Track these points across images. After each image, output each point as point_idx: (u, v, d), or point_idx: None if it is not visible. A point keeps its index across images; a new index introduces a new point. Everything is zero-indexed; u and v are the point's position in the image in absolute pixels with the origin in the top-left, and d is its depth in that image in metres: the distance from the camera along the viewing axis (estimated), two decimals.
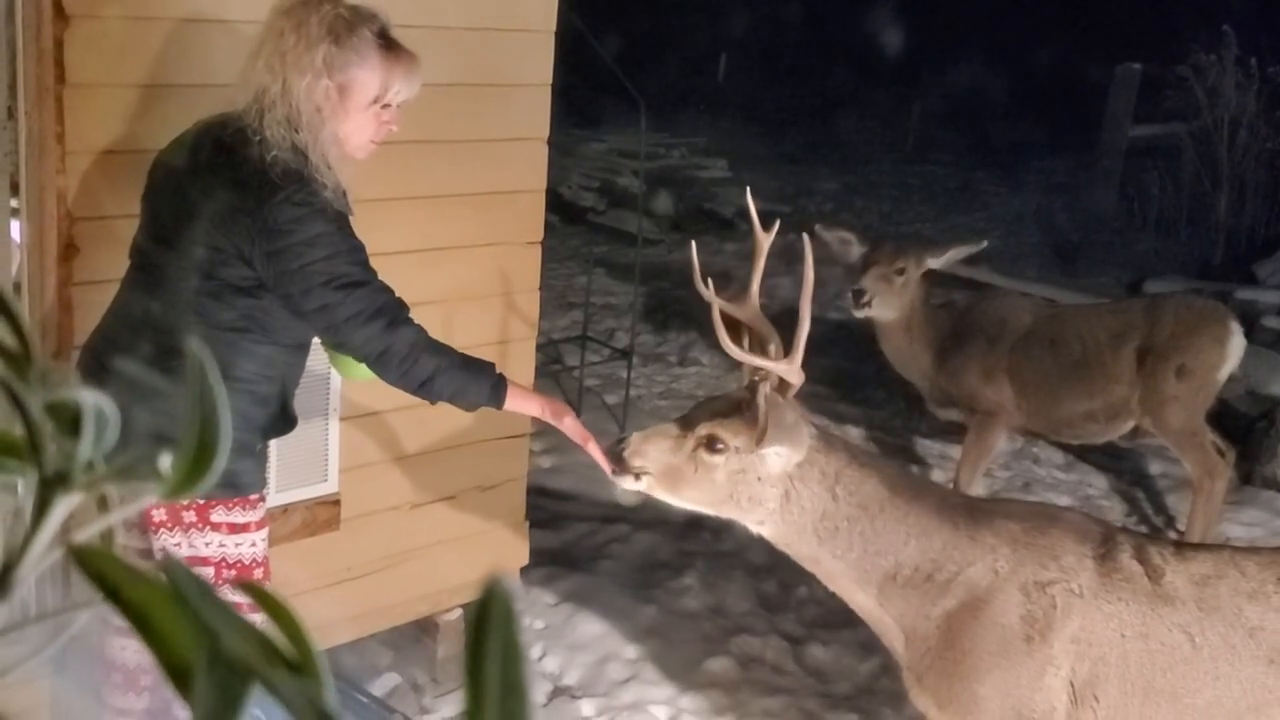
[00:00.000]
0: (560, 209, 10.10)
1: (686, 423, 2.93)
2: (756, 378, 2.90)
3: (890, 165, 14.46)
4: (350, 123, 2.72)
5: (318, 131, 2.66)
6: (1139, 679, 2.81)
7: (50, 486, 0.45)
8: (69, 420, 0.45)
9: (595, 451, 2.99)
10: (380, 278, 2.76)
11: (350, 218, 2.77)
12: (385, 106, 2.76)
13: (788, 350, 2.92)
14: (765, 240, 3.10)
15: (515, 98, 3.91)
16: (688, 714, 4.19)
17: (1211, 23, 9.92)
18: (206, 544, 2.77)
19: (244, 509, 2.82)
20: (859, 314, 5.38)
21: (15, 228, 3.19)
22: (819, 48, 17.28)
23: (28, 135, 3.06)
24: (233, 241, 2.64)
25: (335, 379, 3.60)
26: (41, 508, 0.45)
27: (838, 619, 4.80)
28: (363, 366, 3.02)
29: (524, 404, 3.00)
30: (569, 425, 3.01)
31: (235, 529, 2.81)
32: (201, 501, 2.77)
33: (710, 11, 17.48)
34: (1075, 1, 16.24)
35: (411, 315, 2.80)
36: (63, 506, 0.45)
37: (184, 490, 0.46)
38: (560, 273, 8.88)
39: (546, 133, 4.01)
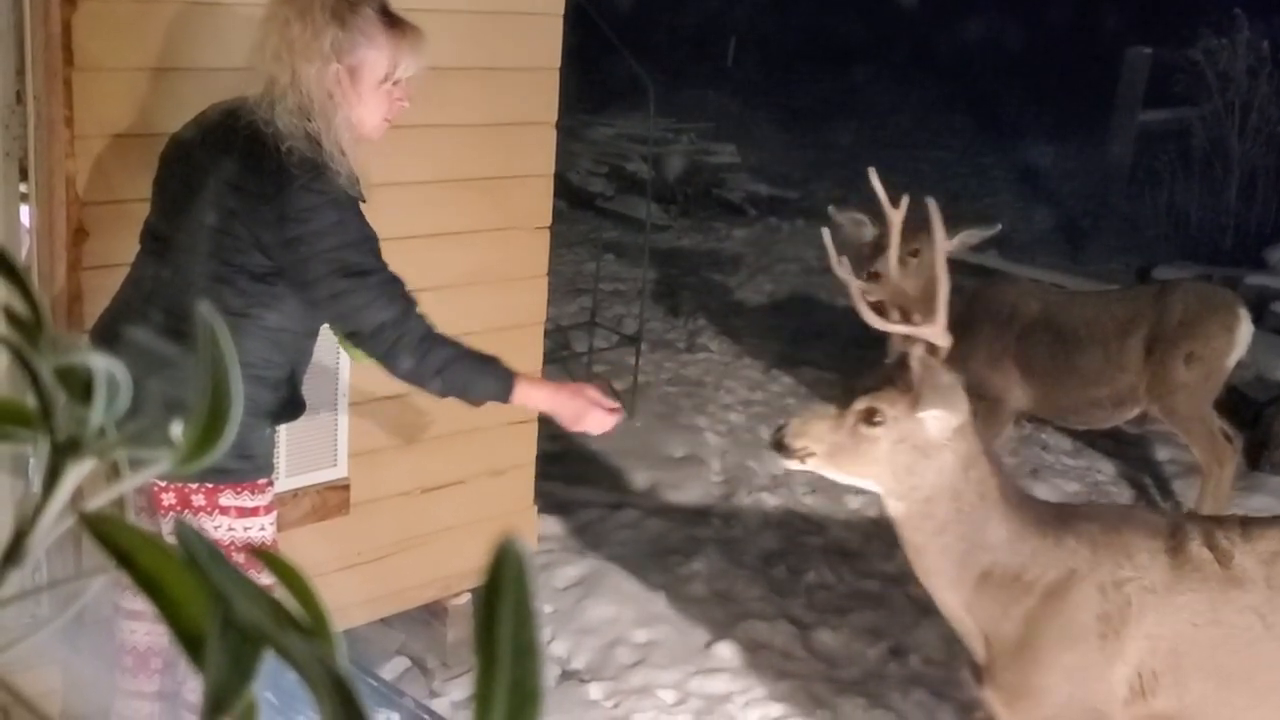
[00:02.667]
0: (568, 194, 10.09)
1: (840, 400, 3.01)
2: (904, 348, 2.95)
3: (900, 150, 14.42)
4: (363, 104, 2.72)
5: (330, 118, 2.65)
6: (1213, 665, 2.90)
7: (62, 453, 0.45)
8: (80, 387, 0.45)
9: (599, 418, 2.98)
10: (390, 268, 2.76)
11: (363, 204, 2.76)
12: (396, 84, 2.75)
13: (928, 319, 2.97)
14: (897, 216, 3.21)
15: (523, 82, 3.90)
16: (696, 698, 4.19)
17: (1222, 5, 9.86)
18: (215, 527, 2.77)
19: (253, 493, 2.82)
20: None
21: (25, 212, 3.19)
22: (829, 32, 17.22)
23: (36, 119, 3.06)
24: (250, 229, 2.64)
25: (344, 365, 3.60)
26: (53, 475, 0.45)
27: (847, 604, 4.80)
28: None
29: (534, 398, 2.99)
30: (590, 422, 2.97)
31: (244, 513, 2.81)
32: (210, 485, 2.77)
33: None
34: None
35: (419, 308, 2.79)
36: (74, 473, 0.45)
37: (196, 458, 0.46)
38: (568, 258, 8.88)
39: (555, 117, 4.01)
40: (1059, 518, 3.07)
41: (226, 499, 2.79)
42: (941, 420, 2.88)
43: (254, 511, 2.82)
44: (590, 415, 2.95)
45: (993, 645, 3.04)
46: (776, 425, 3.09)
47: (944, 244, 3.00)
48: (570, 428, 2.99)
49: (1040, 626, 2.95)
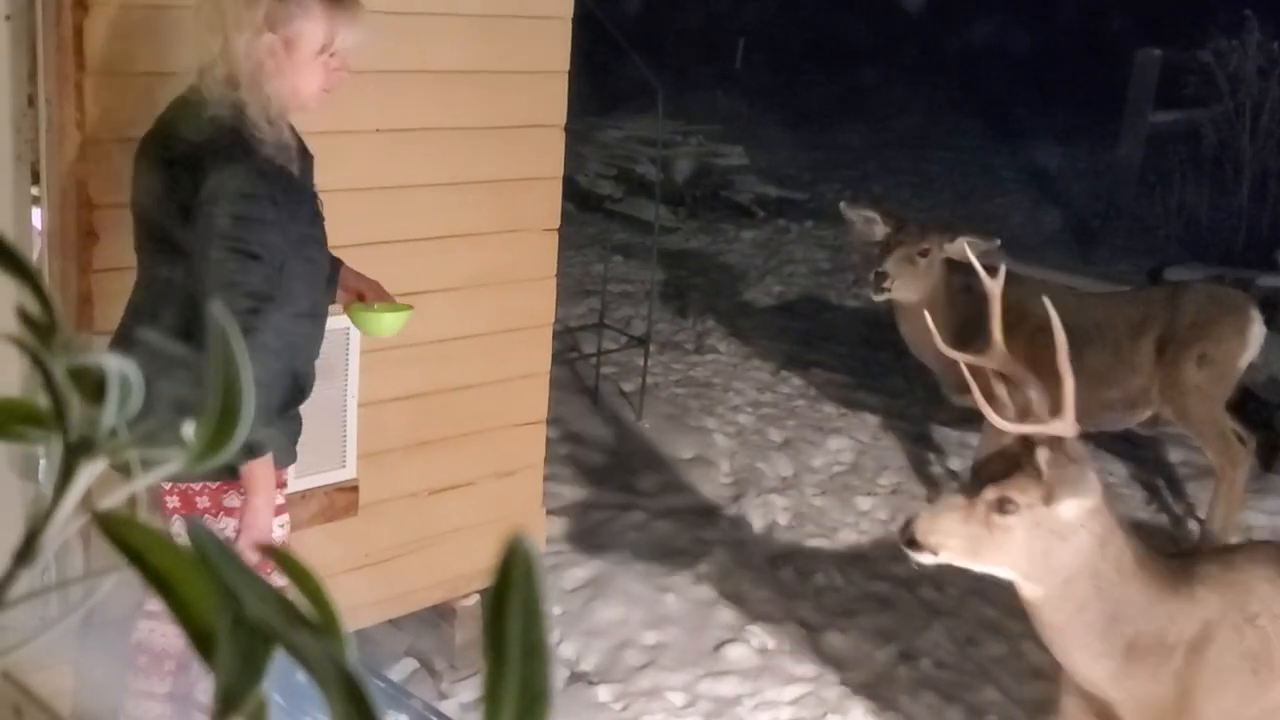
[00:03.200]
0: (577, 197, 10.09)
1: (968, 490, 2.96)
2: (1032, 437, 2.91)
3: (910, 152, 14.41)
4: (299, 75, 2.73)
5: (259, 88, 2.66)
6: None
7: (74, 453, 0.45)
8: (93, 387, 0.45)
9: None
10: (269, 271, 2.68)
11: (294, 172, 2.73)
12: (333, 55, 2.76)
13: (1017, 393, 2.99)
14: (995, 288, 3.19)
15: (532, 85, 3.91)
16: (705, 700, 4.19)
17: (1233, 7, 9.84)
18: (222, 529, 2.76)
19: None
20: (878, 298, 5.33)
21: (36, 215, 3.20)
22: (837, 34, 17.21)
23: (48, 123, 3.08)
24: (183, 203, 2.66)
25: (353, 366, 3.61)
26: (65, 475, 0.45)
27: (856, 606, 4.80)
28: (383, 322, 3.02)
29: (259, 482, 2.75)
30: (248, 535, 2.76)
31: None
32: (213, 486, 2.77)
33: (728, 1, 17.43)
34: None
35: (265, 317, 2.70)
36: (87, 473, 0.45)
37: (208, 458, 0.47)
38: (577, 260, 8.89)
39: (563, 120, 4.01)
40: (1185, 570, 3.07)
41: (231, 500, 2.79)
42: (1076, 506, 2.86)
43: None
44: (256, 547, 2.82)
45: (1148, 710, 3.03)
46: (905, 520, 3.05)
47: (1063, 340, 2.95)
48: (243, 532, 2.75)
49: (1193, 683, 2.97)
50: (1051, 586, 2.93)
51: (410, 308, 3.08)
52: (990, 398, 2.96)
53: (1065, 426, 2.86)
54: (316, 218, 2.89)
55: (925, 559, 2.99)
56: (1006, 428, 2.92)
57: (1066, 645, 3.02)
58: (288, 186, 2.71)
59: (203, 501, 2.78)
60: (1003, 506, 2.87)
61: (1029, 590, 2.97)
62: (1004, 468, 2.92)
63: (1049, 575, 2.91)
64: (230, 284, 2.62)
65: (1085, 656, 3.02)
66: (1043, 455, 2.83)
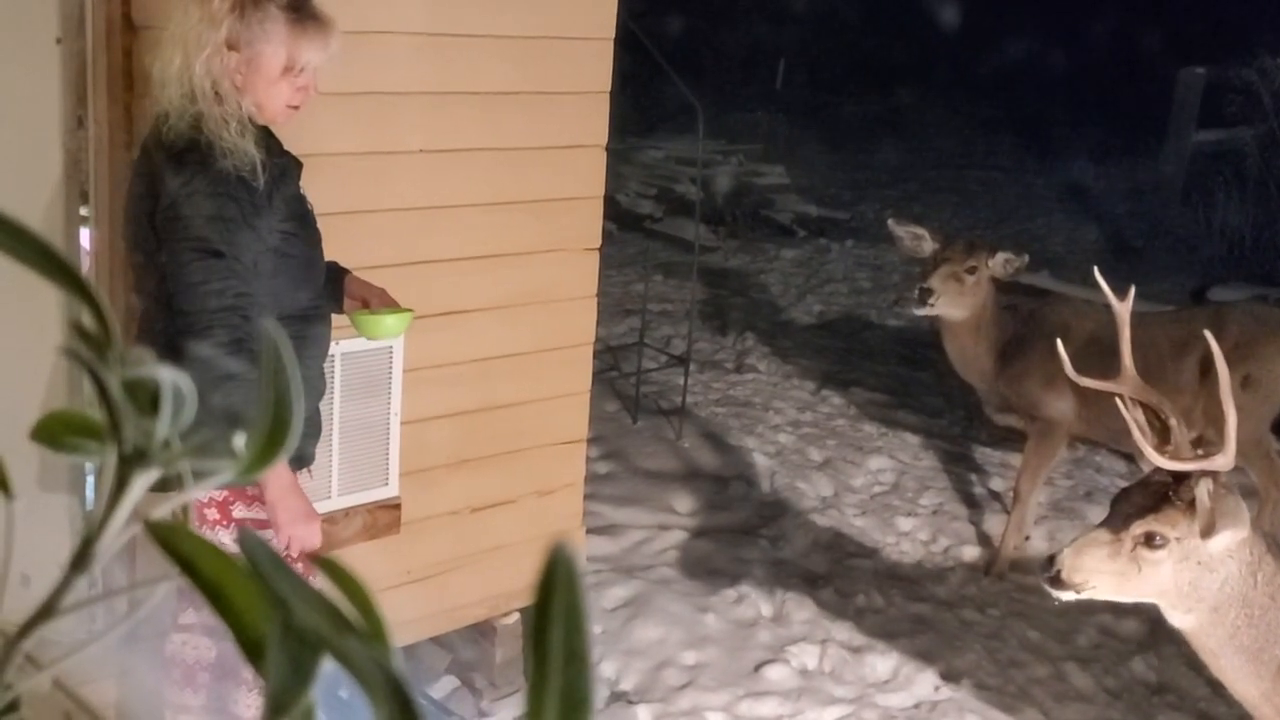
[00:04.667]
0: (618, 216, 10.12)
1: (1113, 524, 2.94)
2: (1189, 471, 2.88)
3: (950, 171, 14.37)
4: (262, 93, 2.76)
5: (216, 104, 2.69)
6: None
7: (129, 464, 0.46)
8: (147, 399, 0.46)
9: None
10: (245, 265, 2.70)
11: (257, 182, 2.72)
12: (300, 73, 2.79)
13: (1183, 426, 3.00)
14: (1124, 310, 3.19)
15: (574, 105, 3.93)
16: None
17: (1277, 25, 9.76)
18: (234, 541, 2.77)
19: (264, 505, 2.80)
20: (920, 311, 5.30)
21: (85, 235, 3.25)
22: (878, 54, 17.20)
23: (97, 144, 3.13)
24: (151, 213, 2.71)
25: (397, 384, 3.63)
26: (120, 484, 0.46)
27: (897, 628, 4.77)
28: (384, 324, 3.03)
29: (278, 479, 2.75)
30: (297, 537, 2.78)
31: (261, 525, 2.80)
32: (220, 499, 2.80)
33: (769, 18, 17.46)
34: (1138, 5, 16.05)
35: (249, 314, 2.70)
36: (140, 483, 0.47)
37: (258, 468, 0.48)
38: (617, 280, 8.91)
39: (605, 140, 4.03)
40: None
41: (240, 511, 2.81)
42: (1230, 537, 2.84)
43: (269, 524, 2.82)
44: (302, 530, 2.78)
45: None
46: (1047, 557, 3.03)
47: (1226, 374, 2.93)
48: (278, 528, 2.78)
49: None
50: (1201, 615, 2.91)
51: (411, 311, 3.08)
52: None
53: (1226, 460, 2.84)
54: (306, 220, 2.91)
55: (1068, 596, 2.98)
56: (1172, 465, 2.88)
57: (1222, 667, 3.01)
58: (251, 187, 2.71)
59: (211, 514, 2.81)
60: (1150, 541, 2.85)
61: (1179, 619, 2.96)
62: (1145, 499, 2.91)
63: (1198, 604, 2.90)
64: (199, 284, 2.64)
65: (1238, 676, 3.00)
66: (1204, 489, 2.80)
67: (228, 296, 2.65)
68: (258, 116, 2.78)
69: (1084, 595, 2.98)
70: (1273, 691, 2.98)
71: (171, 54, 2.70)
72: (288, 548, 2.78)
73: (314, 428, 3.02)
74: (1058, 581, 2.95)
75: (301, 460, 2.94)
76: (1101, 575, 2.92)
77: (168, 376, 0.46)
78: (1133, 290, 3.22)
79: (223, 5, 2.69)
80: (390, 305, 3.09)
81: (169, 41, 2.72)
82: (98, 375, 0.45)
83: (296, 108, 2.85)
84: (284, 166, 2.84)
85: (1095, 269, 3.27)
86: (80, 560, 0.47)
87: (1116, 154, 13.67)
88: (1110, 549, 2.90)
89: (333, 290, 3.05)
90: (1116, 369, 3.15)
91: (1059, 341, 3.33)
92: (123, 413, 0.45)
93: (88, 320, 0.47)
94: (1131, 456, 6.24)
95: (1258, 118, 9.91)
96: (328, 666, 0.42)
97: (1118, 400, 3.05)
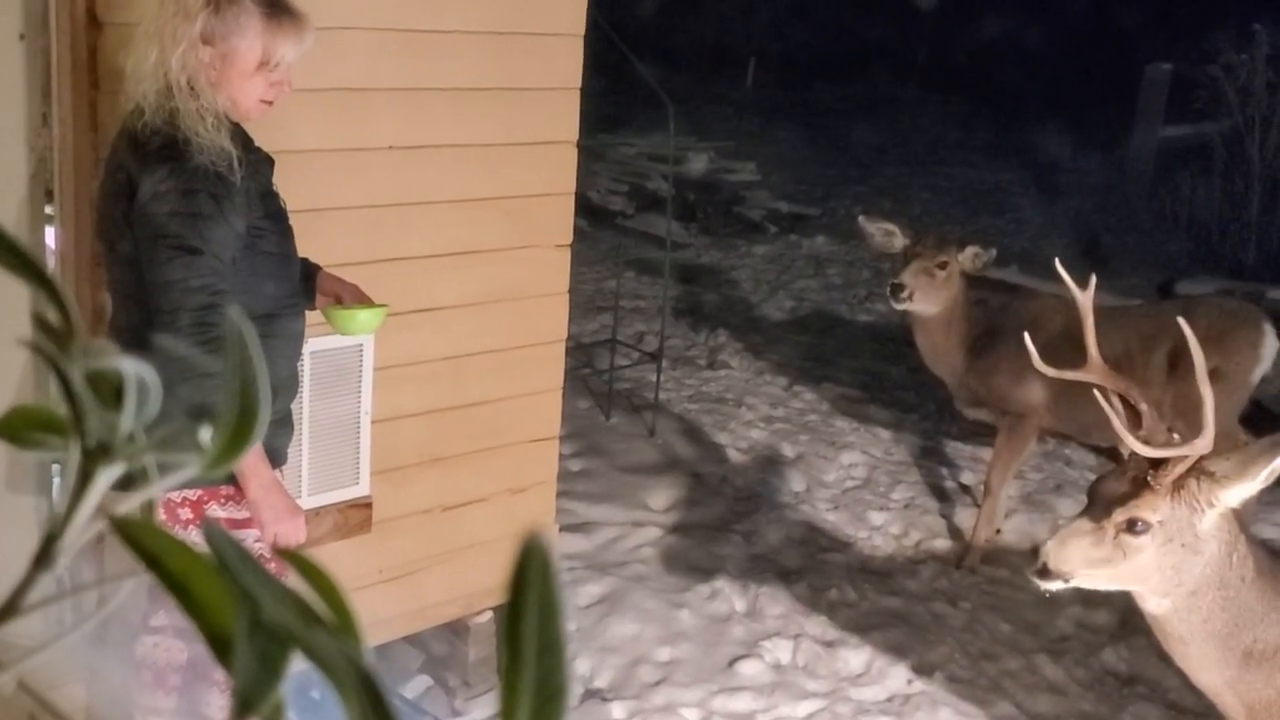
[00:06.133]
0: (589, 213, 10.12)
1: (1094, 513, 2.95)
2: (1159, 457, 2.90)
3: (919, 167, 14.42)
4: (236, 88, 2.75)
5: (195, 98, 2.67)
6: None
7: (92, 458, 0.45)
8: (110, 392, 0.45)
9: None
10: (224, 266, 2.68)
11: (233, 177, 2.69)
12: (275, 69, 2.78)
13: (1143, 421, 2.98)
14: (1087, 299, 3.18)
15: (544, 102, 3.92)
16: (719, 717, 4.18)
17: (1241, 21, 9.85)
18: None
19: (239, 504, 2.79)
20: (899, 307, 5.33)
21: (50, 233, 3.22)
22: (847, 51, 17.25)
23: (62, 142, 3.10)
24: (126, 211, 2.69)
25: (368, 382, 3.62)
26: (83, 480, 0.45)
27: (870, 623, 4.79)
28: (360, 320, 3.01)
29: (257, 475, 2.73)
30: (282, 533, 2.77)
31: (236, 524, 2.79)
32: (194, 497, 2.78)
33: (738, 15, 17.48)
34: (1105, 2, 16.16)
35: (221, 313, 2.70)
36: (105, 478, 0.46)
37: (224, 462, 0.47)
38: (589, 276, 8.90)
39: (575, 136, 4.02)
40: None
41: (215, 510, 2.79)
42: (1216, 515, 2.86)
43: (246, 523, 2.80)
44: (287, 526, 2.77)
45: (1259, 716, 3.03)
46: (1032, 549, 3.04)
47: (1201, 358, 2.94)
48: (262, 526, 2.77)
49: None
50: (1178, 599, 2.93)
51: (385, 306, 3.06)
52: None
53: (1206, 443, 2.86)
54: (279, 217, 2.90)
55: (1056, 586, 2.99)
56: (1151, 451, 2.89)
57: (1189, 654, 3.02)
58: (227, 183, 2.69)
59: (185, 513, 2.78)
60: (1133, 527, 2.87)
61: (1155, 605, 2.97)
62: (1124, 486, 2.92)
63: (1177, 589, 2.91)
64: (179, 280, 2.62)
65: (1204, 663, 3.01)
66: (1196, 475, 2.84)
67: (207, 294, 2.63)
68: (232, 112, 2.76)
69: (1071, 584, 2.99)
70: (1236, 679, 2.99)
71: (146, 49, 2.68)
72: (274, 545, 2.76)
73: (287, 426, 3.00)
74: (1045, 573, 2.97)
75: (274, 459, 2.92)
76: (1087, 564, 2.93)
77: (131, 369, 0.45)
78: (1094, 280, 3.22)
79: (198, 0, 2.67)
80: (363, 301, 3.07)
81: (143, 36, 2.70)
82: (60, 369, 0.44)
83: (270, 103, 2.83)
84: (257, 163, 2.82)
85: (1056, 260, 3.28)
86: (43, 557, 0.46)
87: (1085, 149, 13.75)
88: (1093, 537, 2.92)
89: (305, 287, 3.03)
90: (1083, 359, 3.16)
91: (1026, 334, 3.34)
92: (86, 406, 0.45)
93: (52, 315, 0.46)
94: (1101, 449, 6.28)
95: (1223, 113, 10.00)
96: (299, 666, 0.42)
97: (1096, 391, 3.06)
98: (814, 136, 15.09)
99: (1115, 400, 3.02)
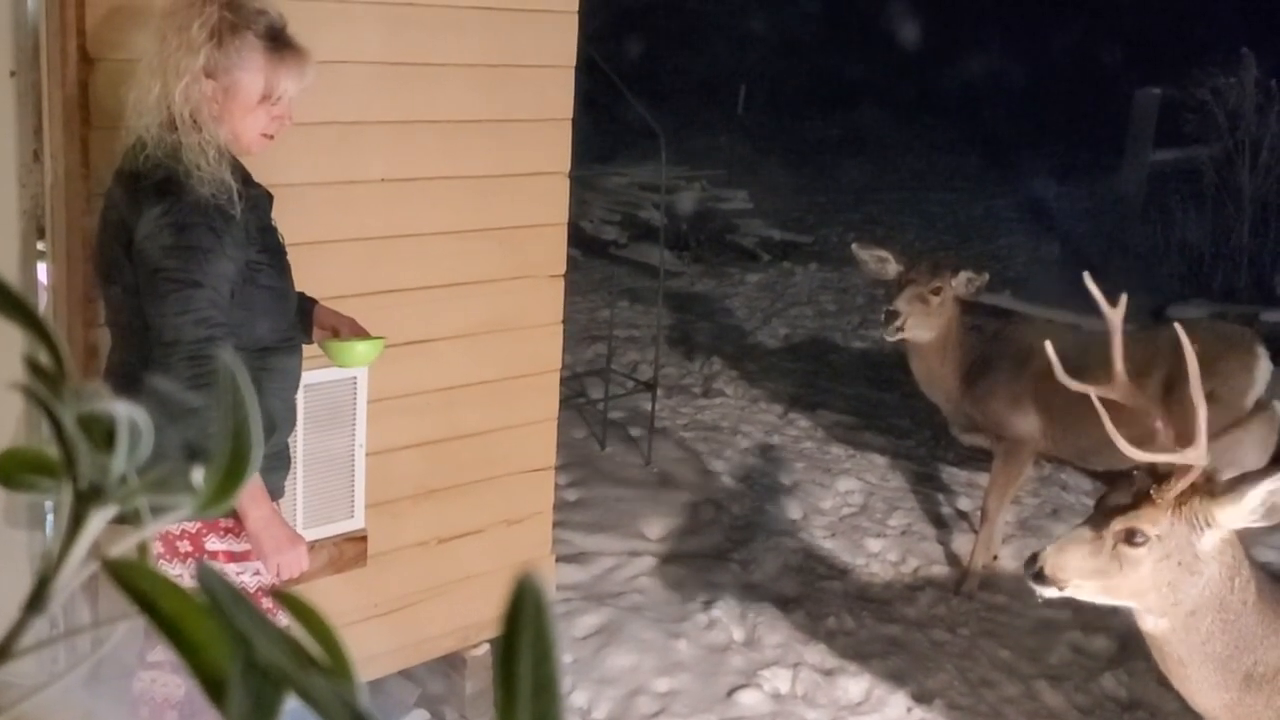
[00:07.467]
0: (582, 242, 10.14)
1: (1095, 522, 2.94)
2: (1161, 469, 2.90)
3: (910, 195, 14.47)
4: (238, 122, 2.76)
5: (194, 133, 2.68)
6: None
7: (85, 500, 0.45)
8: (102, 434, 0.45)
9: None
10: (221, 303, 2.67)
11: (233, 211, 2.69)
12: (276, 103, 2.79)
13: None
14: (1116, 316, 3.18)
15: (536, 133, 3.93)
16: None
17: (1231, 45, 9.91)
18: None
19: (237, 536, 2.79)
20: (890, 338, 5.32)
21: (42, 270, 3.22)
22: (838, 78, 17.33)
23: (53, 178, 3.10)
24: (126, 245, 2.69)
25: (362, 415, 3.61)
26: (75, 522, 0.45)
27: (869, 650, 4.77)
28: (358, 352, 3.01)
29: (257, 507, 2.72)
30: (284, 564, 2.76)
31: (234, 557, 2.79)
32: (193, 530, 2.77)
33: (729, 44, 17.56)
34: (1093, 27, 16.25)
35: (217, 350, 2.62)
36: (97, 520, 0.46)
37: (217, 502, 0.47)
38: (583, 306, 8.91)
39: (568, 166, 4.04)
40: None
41: (213, 543, 2.78)
42: (1215, 536, 2.84)
43: (245, 555, 2.79)
44: (289, 557, 2.76)
45: None
46: (1030, 555, 3.04)
47: (1196, 370, 2.94)
48: (264, 558, 2.75)
49: None
50: (1176, 619, 2.90)
51: (383, 338, 3.06)
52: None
53: (1198, 454, 2.84)
54: (277, 252, 2.90)
55: (1051, 593, 2.98)
56: (1138, 456, 2.90)
57: (1187, 676, 3.00)
58: (227, 217, 2.69)
59: (184, 545, 2.77)
60: (1131, 538, 2.85)
61: (1152, 624, 2.95)
62: (1126, 498, 2.92)
63: (1174, 608, 2.89)
64: (178, 314, 2.61)
65: (1203, 687, 2.99)
66: (1183, 496, 2.82)
67: (205, 327, 2.63)
68: (233, 146, 2.77)
69: (1066, 593, 2.98)
70: (1236, 702, 2.98)
71: (150, 82, 2.69)
72: (277, 574, 2.76)
73: (283, 461, 3.00)
74: (1041, 578, 2.96)
75: (270, 494, 2.91)
76: (1083, 572, 2.92)
77: (123, 411, 0.45)
78: (1124, 297, 3.22)
79: (201, 32, 2.68)
80: (360, 334, 3.08)
81: (146, 69, 2.71)
82: (52, 411, 0.44)
83: (272, 137, 2.84)
84: (256, 198, 2.83)
85: (1086, 275, 3.27)
86: (36, 600, 0.45)
87: (1076, 173, 13.81)
88: (1092, 546, 2.90)
89: (302, 321, 3.03)
90: (1107, 376, 3.16)
91: (1049, 345, 3.31)
92: (78, 448, 0.44)
93: (43, 357, 0.46)
94: (1097, 474, 6.27)
95: (1213, 136, 10.04)
96: (292, 705, 0.42)
97: (1094, 398, 3.05)
98: (805, 165, 15.14)
99: (1112, 410, 3.02)
